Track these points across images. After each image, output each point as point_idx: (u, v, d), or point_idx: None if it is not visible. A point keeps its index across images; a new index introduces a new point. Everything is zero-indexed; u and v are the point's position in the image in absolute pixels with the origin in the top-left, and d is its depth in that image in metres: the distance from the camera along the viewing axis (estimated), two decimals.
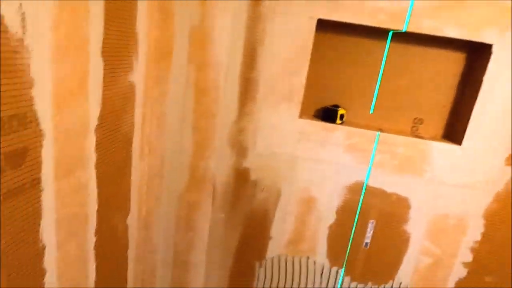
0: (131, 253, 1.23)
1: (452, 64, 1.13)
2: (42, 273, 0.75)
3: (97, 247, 0.97)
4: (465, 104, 1.10)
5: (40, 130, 0.67)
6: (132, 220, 1.19)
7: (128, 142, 1.06)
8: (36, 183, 0.68)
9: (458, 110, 1.14)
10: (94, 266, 0.97)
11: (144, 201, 1.26)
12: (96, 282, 1.00)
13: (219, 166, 1.22)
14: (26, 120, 0.63)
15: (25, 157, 0.64)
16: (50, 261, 0.77)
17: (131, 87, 1.01)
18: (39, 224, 0.71)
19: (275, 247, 1.27)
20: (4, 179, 0.60)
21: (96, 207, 0.93)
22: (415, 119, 1.18)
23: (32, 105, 0.64)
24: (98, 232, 0.96)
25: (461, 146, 1.09)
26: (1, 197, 0.60)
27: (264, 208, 1.24)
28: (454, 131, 1.14)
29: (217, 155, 1.21)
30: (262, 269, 1.31)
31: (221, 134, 1.18)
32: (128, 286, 1.26)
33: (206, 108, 1.16)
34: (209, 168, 1.22)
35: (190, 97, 1.16)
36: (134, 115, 1.06)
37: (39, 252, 0.73)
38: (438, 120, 1.17)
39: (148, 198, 1.27)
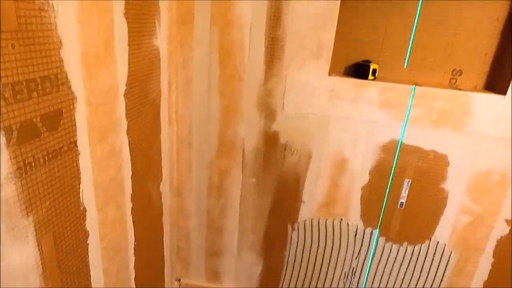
0: (166, 220, 1.26)
1: (495, 9, 1.03)
2: (85, 235, 0.78)
3: (134, 212, 0.99)
4: (510, 51, 1.02)
5: (72, 93, 0.67)
6: (165, 188, 1.20)
7: (156, 109, 1.05)
8: (72, 146, 0.69)
9: (502, 58, 1.06)
10: (132, 231, 1.00)
11: (175, 169, 1.27)
12: (135, 246, 1.03)
13: (248, 131, 1.20)
14: (58, 82, 0.62)
15: (60, 119, 0.65)
16: (91, 223, 0.79)
17: (156, 52, 0.99)
18: (79, 188, 0.73)
19: (307, 210, 1.26)
20: (43, 141, 0.61)
21: (130, 173, 0.94)
22: (453, 70, 1.10)
23: (62, 66, 0.63)
24: (134, 197, 0.97)
25: (506, 96, 1.02)
26: (41, 159, 0.61)
27: (295, 171, 1.22)
28: (497, 81, 1.06)
29: (246, 119, 1.18)
30: (295, 232, 1.31)
31: (248, 98, 1.16)
32: (164, 251, 1.30)
33: (232, 71, 1.13)
34: (238, 134, 1.21)
35: (215, 61, 1.13)
36: (160, 81, 1.05)
37: (81, 215, 0.75)
38: (479, 70, 1.09)
39: (179, 166, 1.28)
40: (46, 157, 0.62)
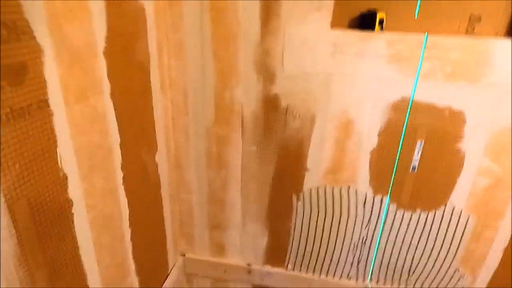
0: (165, 193, 1.21)
1: None
2: (68, 204, 0.72)
3: (126, 182, 0.94)
4: None
5: (38, 45, 0.60)
6: (161, 158, 1.15)
7: (145, 72, 0.98)
8: (43, 105, 0.62)
9: None
10: (125, 202, 0.95)
11: (172, 138, 1.21)
12: (130, 218, 0.98)
13: (246, 95, 1.12)
14: (18, 30, 0.55)
15: (25, 74, 0.58)
16: (75, 192, 0.74)
17: (140, 10, 0.91)
18: (56, 152, 0.67)
19: (313, 178, 1.19)
20: (4, 96, 0.55)
21: (118, 140, 0.88)
22: (470, 17, 0.99)
23: (22, 12, 0.56)
24: (124, 166, 0.92)
25: None
26: (4, 117, 0.55)
27: (298, 137, 1.14)
28: None
29: (243, 83, 1.10)
30: (300, 202, 1.24)
31: (245, 59, 1.07)
32: (165, 225, 1.26)
33: (226, 30, 1.04)
34: (235, 98, 1.13)
35: (207, 19, 1.04)
36: (147, 44, 0.98)
37: (62, 182, 0.69)
38: (500, 15, 0.98)
39: (176, 135, 1.22)
40: (10, 115, 0.56)
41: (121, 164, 0.90)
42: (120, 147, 0.89)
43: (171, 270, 1.36)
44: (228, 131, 1.18)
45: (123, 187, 0.92)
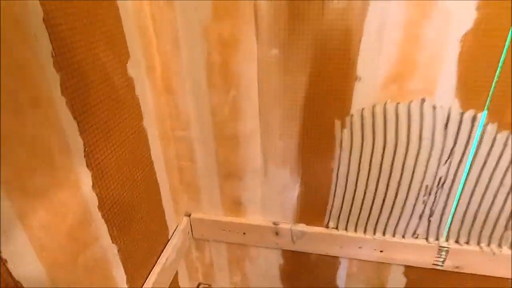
0: (150, 125, 0.84)
1: None
2: None
3: (70, 95, 0.57)
4: None
5: None
6: (138, 70, 0.77)
7: None
8: None
9: None
10: (74, 125, 0.58)
11: (153, 45, 0.83)
12: (86, 154, 0.62)
13: None
14: None
15: None
16: None
17: None
18: None
19: (366, 92, 0.79)
20: None
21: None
22: None
23: None
24: (62, 68, 0.54)
25: None
26: None
27: (343, 25, 0.73)
28: None
29: None
30: (347, 131, 0.85)
31: None
32: (157, 174, 0.90)
33: None
34: None
35: None
36: None
37: None
38: None
39: (159, 42, 0.83)
40: None
41: (56, 63, 0.53)
42: (52, 41, 0.51)
43: (172, 235, 1.03)
44: (234, 28, 0.78)
45: (64, 100, 0.56)
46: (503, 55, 0.70)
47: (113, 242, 0.73)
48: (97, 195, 0.66)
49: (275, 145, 0.92)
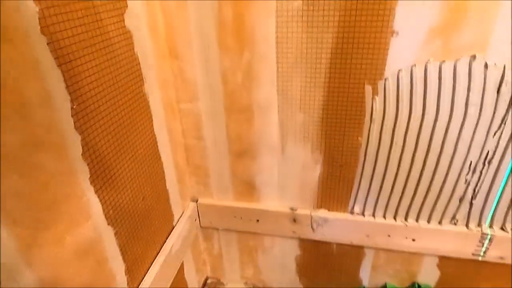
0: (153, 93, 0.73)
1: None
2: None
3: (55, 45, 0.46)
4: None
5: None
6: (137, 25, 0.66)
7: None
8: None
9: None
10: (62, 86, 0.47)
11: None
12: (76, 124, 0.51)
13: None
14: None
15: None
16: None
17: None
18: None
19: (405, 49, 0.68)
20: None
21: None
22: None
23: None
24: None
25: None
26: None
27: None
28: None
29: None
30: (380, 98, 0.74)
31: None
32: (160, 153, 0.79)
33: None
34: None
35: None
36: None
37: None
38: None
39: None
40: None
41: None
42: None
43: (177, 222, 0.91)
44: None
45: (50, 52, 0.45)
46: None
47: (108, 224, 0.62)
48: (88, 165, 0.55)
49: (295, 118, 0.81)
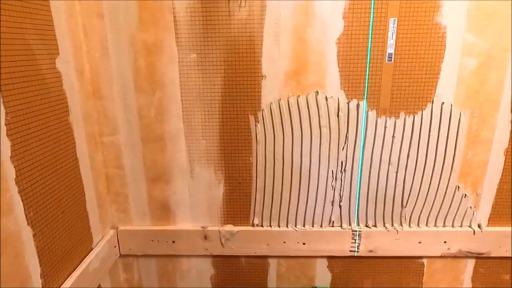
0: (77, 125, 0.89)
1: None
2: None
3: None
4: None
5: None
6: (67, 69, 0.85)
7: None
8: None
9: None
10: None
11: (83, 49, 0.92)
12: (12, 155, 0.66)
13: None
14: None
15: None
16: None
17: None
18: None
19: (272, 88, 0.95)
20: None
21: None
22: None
23: None
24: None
25: None
26: None
27: (247, 31, 0.91)
28: None
29: None
30: (260, 126, 0.98)
31: None
32: (83, 180, 0.92)
33: None
34: None
35: None
36: None
37: None
38: None
39: (89, 48, 0.93)
40: None
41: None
42: None
43: (96, 245, 1.00)
44: (157, 35, 0.92)
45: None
46: (368, 51, 0.92)
47: (28, 224, 0.72)
48: (14, 167, 0.68)
49: (199, 144, 1.01)
